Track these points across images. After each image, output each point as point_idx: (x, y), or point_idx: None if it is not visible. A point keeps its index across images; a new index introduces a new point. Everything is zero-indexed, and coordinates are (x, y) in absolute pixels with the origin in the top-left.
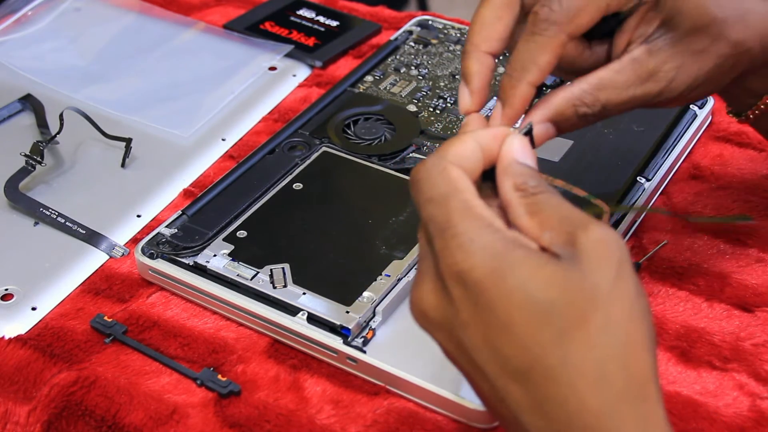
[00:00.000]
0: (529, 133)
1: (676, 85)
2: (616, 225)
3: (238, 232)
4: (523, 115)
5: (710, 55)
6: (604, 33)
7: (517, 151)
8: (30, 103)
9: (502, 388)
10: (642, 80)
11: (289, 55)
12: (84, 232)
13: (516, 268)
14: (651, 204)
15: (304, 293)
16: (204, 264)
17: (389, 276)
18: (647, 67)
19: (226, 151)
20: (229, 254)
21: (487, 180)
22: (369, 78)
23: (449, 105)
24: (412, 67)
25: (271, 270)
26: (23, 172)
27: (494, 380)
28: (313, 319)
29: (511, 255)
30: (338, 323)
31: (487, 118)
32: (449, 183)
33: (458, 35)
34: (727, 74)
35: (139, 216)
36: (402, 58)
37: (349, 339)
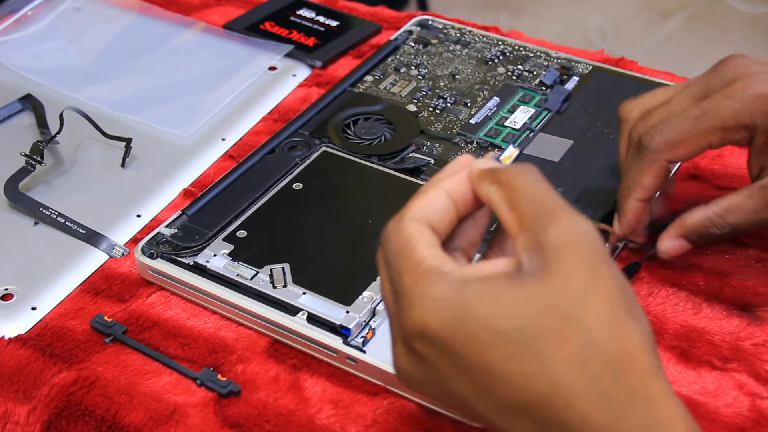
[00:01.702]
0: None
1: None
2: None
3: (238, 232)
4: (510, 146)
5: None
6: None
7: (480, 164)
8: (30, 103)
9: (508, 425)
10: (766, 207)
11: (289, 55)
12: (84, 231)
13: (473, 308)
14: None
15: (304, 293)
16: (204, 264)
17: None
18: None
19: (226, 151)
20: (229, 254)
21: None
22: (369, 78)
23: (449, 105)
24: (412, 67)
25: (271, 270)
26: (23, 172)
27: (498, 420)
28: (312, 318)
29: (465, 297)
30: (338, 323)
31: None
32: (402, 241)
33: (458, 35)
34: None
35: (139, 216)
36: (402, 58)
37: (349, 339)
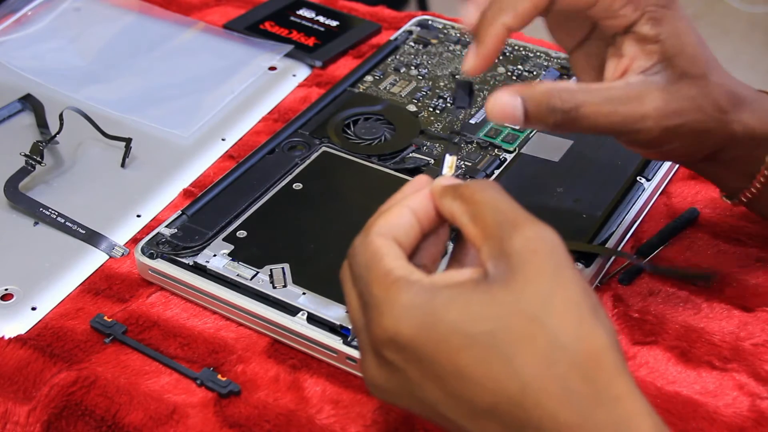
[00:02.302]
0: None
1: (661, 115)
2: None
3: (238, 232)
4: (447, 155)
5: (697, 105)
6: None
7: (441, 181)
8: (30, 102)
9: (480, 429)
10: (630, 99)
11: (288, 55)
12: (84, 232)
13: (443, 313)
14: (652, 203)
15: (303, 293)
16: (204, 264)
17: None
18: (638, 90)
19: (226, 151)
20: (229, 254)
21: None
22: (369, 78)
23: (449, 105)
24: (412, 67)
25: (270, 270)
26: (23, 172)
27: (470, 425)
28: (312, 319)
29: (434, 303)
30: (338, 323)
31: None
32: (369, 254)
33: (458, 35)
34: (707, 138)
35: (138, 216)
36: (402, 58)
37: (348, 339)
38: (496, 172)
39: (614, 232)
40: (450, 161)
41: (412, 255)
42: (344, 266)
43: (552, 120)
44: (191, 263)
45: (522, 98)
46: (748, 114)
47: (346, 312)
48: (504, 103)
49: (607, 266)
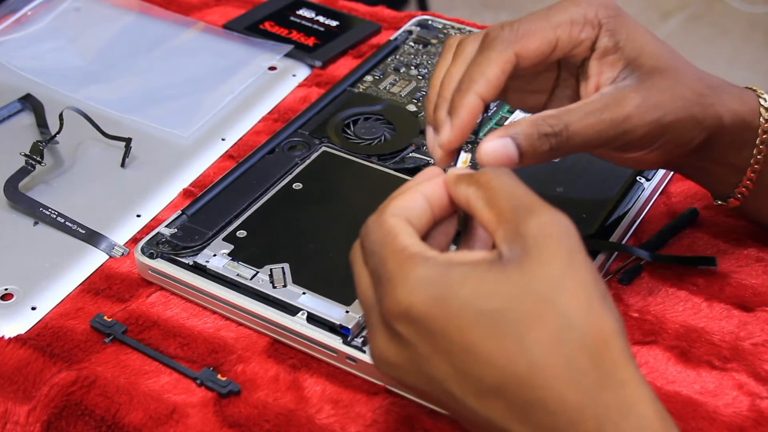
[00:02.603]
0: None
1: (644, 111)
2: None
3: (238, 232)
4: (461, 152)
5: (676, 94)
6: None
7: (455, 170)
8: (30, 102)
9: (484, 408)
10: (608, 106)
11: (288, 55)
12: (84, 231)
13: (457, 288)
14: (652, 202)
15: (303, 293)
16: (204, 264)
17: None
18: (613, 96)
19: (226, 151)
20: (229, 254)
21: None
22: (369, 78)
23: None
24: (412, 67)
25: (270, 270)
26: (23, 172)
27: (475, 403)
28: (312, 318)
29: (449, 278)
30: (338, 323)
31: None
32: (384, 231)
33: (458, 35)
34: (696, 125)
35: (138, 216)
36: (402, 58)
37: (348, 339)
38: None
39: (614, 232)
40: (465, 158)
41: (423, 240)
42: (355, 246)
43: (547, 146)
44: (191, 263)
45: (511, 138)
46: (728, 96)
47: (346, 311)
48: (495, 148)
49: (607, 265)
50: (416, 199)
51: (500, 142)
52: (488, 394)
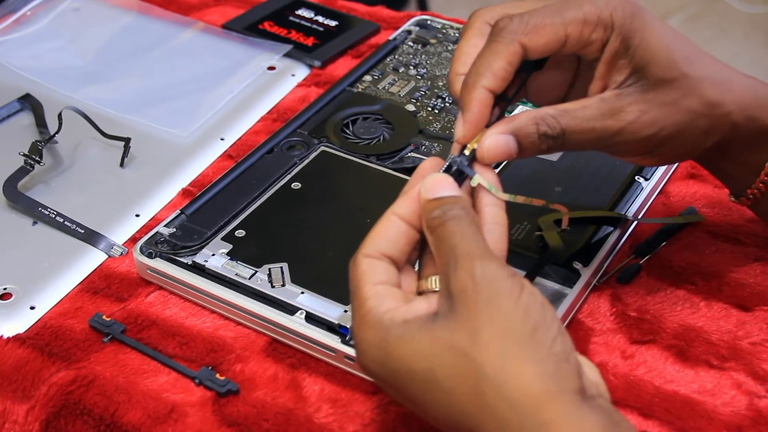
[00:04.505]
0: (448, 170)
1: (637, 128)
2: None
3: (237, 232)
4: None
5: (680, 108)
6: None
7: (427, 191)
8: (29, 102)
9: None
10: (604, 116)
11: (287, 55)
12: (83, 231)
13: (392, 350)
14: (650, 202)
15: (302, 292)
16: (202, 263)
17: None
18: (611, 105)
19: (225, 151)
20: (228, 253)
21: None
22: (368, 78)
23: (448, 105)
24: (411, 67)
25: (269, 269)
26: (22, 172)
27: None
28: (311, 318)
29: (386, 341)
30: (336, 322)
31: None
32: (356, 276)
33: (457, 35)
34: (702, 135)
35: (137, 215)
36: (401, 58)
37: (347, 338)
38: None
39: (613, 231)
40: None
41: (415, 253)
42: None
43: (546, 145)
44: (190, 262)
45: (513, 135)
46: (745, 98)
47: (345, 311)
48: (497, 145)
49: (606, 265)
50: (391, 225)
51: (502, 139)
52: (448, 428)
